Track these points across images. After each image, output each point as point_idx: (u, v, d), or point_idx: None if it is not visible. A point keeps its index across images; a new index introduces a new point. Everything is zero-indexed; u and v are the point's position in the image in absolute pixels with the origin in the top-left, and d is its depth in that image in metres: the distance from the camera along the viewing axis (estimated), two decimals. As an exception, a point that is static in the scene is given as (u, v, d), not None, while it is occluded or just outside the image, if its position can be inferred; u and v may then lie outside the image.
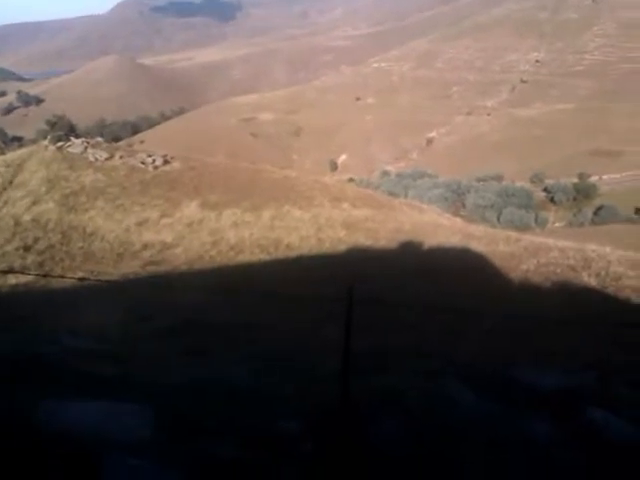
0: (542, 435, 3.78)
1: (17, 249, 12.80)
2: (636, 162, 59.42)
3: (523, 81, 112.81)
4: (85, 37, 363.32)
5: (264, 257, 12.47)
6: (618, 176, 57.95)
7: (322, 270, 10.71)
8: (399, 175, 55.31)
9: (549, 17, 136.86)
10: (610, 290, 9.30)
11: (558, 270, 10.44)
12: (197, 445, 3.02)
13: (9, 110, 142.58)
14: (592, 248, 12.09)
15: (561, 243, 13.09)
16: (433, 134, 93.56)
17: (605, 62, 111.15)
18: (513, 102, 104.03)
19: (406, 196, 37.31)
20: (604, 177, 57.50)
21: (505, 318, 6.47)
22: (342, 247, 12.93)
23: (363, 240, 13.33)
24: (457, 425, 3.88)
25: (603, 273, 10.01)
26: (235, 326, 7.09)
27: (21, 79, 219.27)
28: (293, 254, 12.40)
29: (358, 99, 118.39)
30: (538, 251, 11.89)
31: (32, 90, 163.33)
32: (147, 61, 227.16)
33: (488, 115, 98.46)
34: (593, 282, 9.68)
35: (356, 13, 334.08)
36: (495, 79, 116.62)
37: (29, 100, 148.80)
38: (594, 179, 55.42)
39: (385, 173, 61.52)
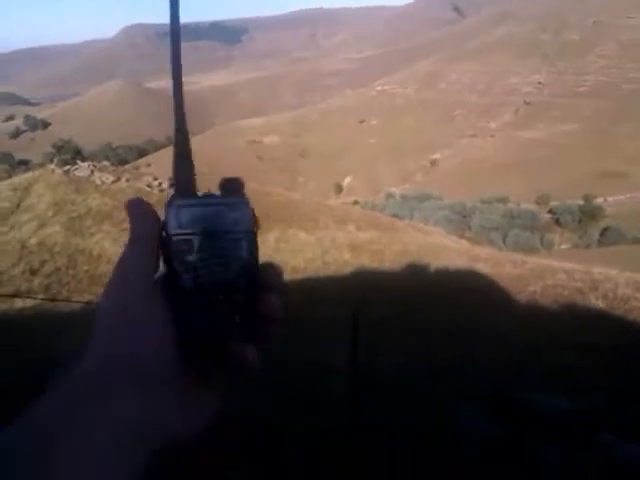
0: (553, 459, 3.73)
1: (23, 272, 12.84)
2: (641, 183, 59.46)
3: (526, 103, 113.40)
4: (91, 61, 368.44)
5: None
6: (623, 197, 57.92)
7: (328, 293, 10.69)
8: (404, 197, 55.40)
9: (551, 39, 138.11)
10: (618, 312, 9.23)
11: (565, 292, 10.39)
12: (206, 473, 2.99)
13: (16, 134, 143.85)
14: (599, 270, 12.04)
15: (568, 265, 13.04)
16: (437, 156, 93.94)
17: (607, 83, 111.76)
18: (516, 124, 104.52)
19: (411, 218, 37.35)
20: (609, 198, 57.47)
21: (513, 341, 6.42)
22: (348, 269, 12.91)
23: (369, 262, 13.32)
24: (468, 450, 3.83)
25: (611, 295, 9.95)
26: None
27: (28, 103, 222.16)
28: (299, 277, 12.38)
29: (362, 121, 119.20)
30: (545, 273, 11.84)
31: (39, 114, 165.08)
32: (153, 85, 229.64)
33: (492, 137, 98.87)
34: (601, 304, 9.61)
35: (361, 37, 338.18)
36: (498, 101, 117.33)
37: (36, 124, 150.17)
38: (600, 200, 55.37)
39: (390, 195, 61.64)
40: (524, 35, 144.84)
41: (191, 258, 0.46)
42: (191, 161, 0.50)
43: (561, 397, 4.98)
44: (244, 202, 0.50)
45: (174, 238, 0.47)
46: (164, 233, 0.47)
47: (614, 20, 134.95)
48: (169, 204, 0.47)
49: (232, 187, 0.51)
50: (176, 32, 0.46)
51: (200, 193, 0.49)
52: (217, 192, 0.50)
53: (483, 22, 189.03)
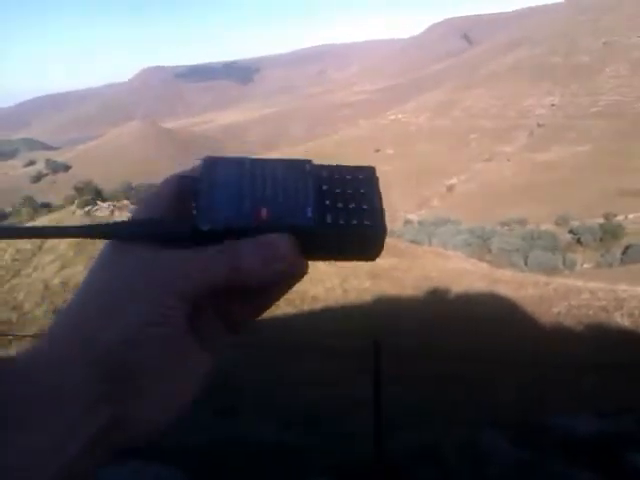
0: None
1: (47, 312, 12.99)
2: (661, 200, 58.81)
3: (540, 125, 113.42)
4: (109, 104, 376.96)
5: (290, 310, 12.46)
6: (645, 215, 57.26)
7: (349, 322, 10.65)
8: (422, 223, 55.28)
9: (562, 61, 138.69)
10: (645, 330, 9.08)
11: (590, 312, 10.25)
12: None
13: (38, 178, 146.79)
14: (623, 288, 11.88)
15: (591, 284, 12.88)
16: (453, 181, 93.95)
17: (620, 102, 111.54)
18: (532, 147, 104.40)
19: (430, 243, 37.21)
20: (630, 216, 56.82)
21: (538, 364, 6.32)
22: (368, 297, 12.87)
23: (389, 289, 13.27)
24: (492, 476, 3.76)
25: (637, 313, 9.80)
26: (264, 382, 7.03)
27: (49, 148, 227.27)
28: (319, 306, 12.37)
29: (377, 151, 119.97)
30: (568, 294, 11.71)
31: (60, 157, 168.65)
32: (170, 125, 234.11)
33: (508, 160, 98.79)
34: (626, 322, 9.46)
35: (372, 69, 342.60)
36: (512, 125, 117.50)
37: (57, 167, 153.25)
38: (620, 218, 54.77)
39: (408, 221, 61.57)
40: (535, 59, 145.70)
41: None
42: None
43: (589, 418, 4.88)
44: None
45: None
46: None
47: (624, 40, 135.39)
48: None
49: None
50: None
51: None
52: None
53: (493, 49, 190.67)
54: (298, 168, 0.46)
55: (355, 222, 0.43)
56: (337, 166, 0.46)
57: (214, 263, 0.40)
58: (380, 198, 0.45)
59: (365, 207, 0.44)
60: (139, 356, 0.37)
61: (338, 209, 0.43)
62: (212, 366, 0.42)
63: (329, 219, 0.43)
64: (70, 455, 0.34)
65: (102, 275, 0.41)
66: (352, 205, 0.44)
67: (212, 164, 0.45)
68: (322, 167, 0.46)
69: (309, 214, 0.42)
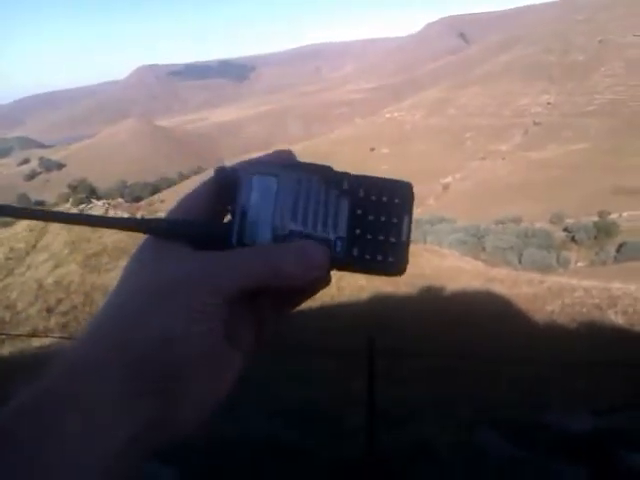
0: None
1: (40, 311, 12.94)
2: (656, 198, 59.03)
3: (536, 124, 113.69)
4: (104, 103, 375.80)
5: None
6: (638, 213, 57.42)
7: (343, 319, 10.64)
8: (417, 221, 55.26)
9: (557, 60, 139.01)
10: (638, 328, 9.10)
11: (584, 310, 10.27)
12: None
13: (32, 176, 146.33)
14: (617, 286, 11.91)
15: (585, 282, 12.90)
16: (449, 179, 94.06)
17: (615, 101, 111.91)
18: (527, 145, 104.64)
19: (425, 241, 37.23)
20: (624, 214, 57.02)
21: (532, 364, 6.33)
22: (363, 295, 12.86)
23: (384, 287, 13.26)
24: (487, 473, 3.76)
25: (630, 310, 9.82)
26: (258, 379, 7.02)
27: (43, 146, 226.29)
28: (315, 304, 12.36)
29: (373, 149, 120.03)
30: (562, 291, 11.73)
31: (54, 156, 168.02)
32: (165, 123, 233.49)
33: (503, 159, 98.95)
34: (620, 320, 9.48)
35: (367, 67, 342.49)
36: (508, 123, 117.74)
37: (51, 166, 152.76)
38: (614, 216, 54.93)
39: (403, 220, 61.41)
40: (531, 58, 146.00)
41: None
42: None
43: (583, 416, 4.89)
44: None
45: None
46: None
47: (619, 39, 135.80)
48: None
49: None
50: None
51: None
52: None
53: (489, 48, 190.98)
54: (336, 185, 0.45)
55: (380, 258, 0.44)
56: (375, 181, 0.45)
57: (257, 264, 0.40)
58: (410, 227, 0.45)
59: (393, 241, 0.44)
60: (176, 355, 0.37)
61: (367, 241, 0.44)
62: (243, 366, 0.42)
63: (355, 252, 0.44)
64: (110, 455, 0.34)
65: (140, 273, 0.41)
66: (381, 237, 0.44)
67: (249, 173, 0.44)
68: (360, 183, 0.46)
69: (338, 248, 0.43)
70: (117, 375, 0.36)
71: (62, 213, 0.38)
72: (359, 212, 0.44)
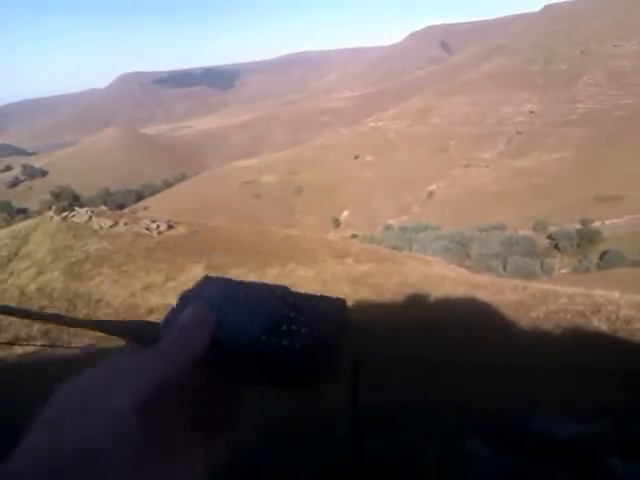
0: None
1: (23, 319, 12.76)
2: (637, 206, 59.75)
3: (519, 132, 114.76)
4: (87, 110, 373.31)
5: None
6: (620, 220, 58.12)
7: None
8: (402, 229, 55.51)
9: (540, 69, 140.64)
10: (621, 334, 9.17)
11: (568, 316, 10.34)
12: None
13: (14, 183, 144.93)
14: (600, 293, 12.00)
15: (569, 289, 13.00)
16: (433, 187, 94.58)
17: (598, 110, 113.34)
18: (510, 153, 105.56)
19: (410, 249, 37.37)
20: (607, 222, 57.67)
21: (517, 369, 6.35)
22: (347, 303, 12.83)
23: (368, 295, 13.26)
24: (475, 480, 3.76)
25: (613, 317, 9.90)
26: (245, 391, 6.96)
27: (25, 153, 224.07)
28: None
29: (357, 157, 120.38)
30: (546, 298, 11.80)
31: (36, 163, 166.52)
32: (149, 131, 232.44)
33: (486, 167, 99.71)
34: (604, 327, 9.56)
35: (350, 77, 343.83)
36: (491, 132, 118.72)
37: (34, 173, 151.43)
38: (597, 224, 55.54)
39: (388, 227, 61.80)
40: (513, 67, 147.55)
41: None
42: None
43: (567, 422, 4.91)
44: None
45: None
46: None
47: (601, 49, 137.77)
48: None
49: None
50: None
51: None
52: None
53: (472, 57, 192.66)
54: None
55: (285, 343, 0.48)
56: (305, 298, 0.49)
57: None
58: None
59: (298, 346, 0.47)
60: (97, 468, 0.36)
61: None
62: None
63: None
64: None
65: (69, 387, 0.42)
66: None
67: (204, 283, 0.49)
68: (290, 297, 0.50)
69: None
70: None
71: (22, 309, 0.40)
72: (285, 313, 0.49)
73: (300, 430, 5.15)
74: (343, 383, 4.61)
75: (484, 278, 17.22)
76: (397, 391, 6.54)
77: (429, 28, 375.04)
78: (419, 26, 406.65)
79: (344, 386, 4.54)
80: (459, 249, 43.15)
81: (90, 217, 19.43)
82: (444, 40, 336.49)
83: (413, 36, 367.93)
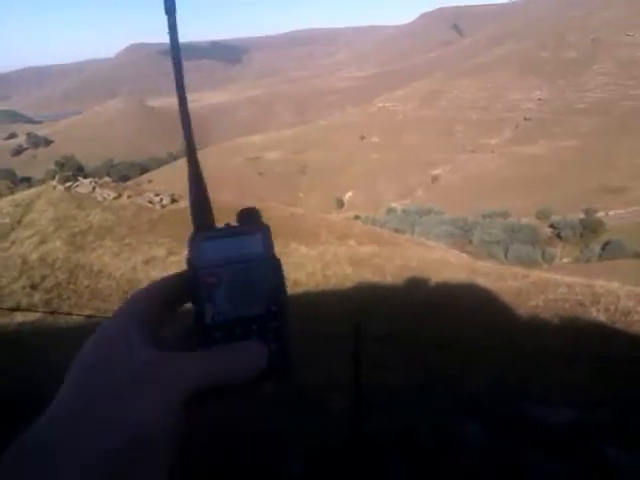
0: (554, 473, 3.69)
1: (24, 287, 12.83)
2: (642, 198, 59.61)
3: (526, 119, 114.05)
4: (93, 80, 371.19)
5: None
6: (624, 211, 58.00)
7: (329, 307, 10.66)
8: (405, 212, 55.46)
9: (550, 57, 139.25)
10: (620, 325, 9.20)
11: (567, 306, 10.36)
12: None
13: (18, 151, 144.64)
14: (600, 283, 12.00)
15: (569, 279, 13.00)
16: (438, 171, 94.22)
17: (607, 100, 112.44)
18: (517, 140, 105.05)
19: (412, 233, 37.38)
20: (610, 213, 57.56)
21: (515, 354, 6.39)
22: (349, 284, 12.89)
23: (370, 277, 13.29)
24: (468, 463, 3.80)
25: (612, 308, 9.92)
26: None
27: (30, 121, 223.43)
28: (300, 290, 12.36)
29: (363, 138, 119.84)
30: (546, 287, 11.81)
31: (41, 132, 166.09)
32: (154, 103, 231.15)
33: (492, 153, 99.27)
34: (602, 317, 9.58)
35: (360, 55, 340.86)
36: (498, 117, 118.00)
37: (38, 141, 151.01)
38: (600, 215, 55.43)
39: (391, 210, 61.71)
40: (524, 53, 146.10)
41: (220, 292, 0.46)
42: (205, 187, 0.51)
43: (564, 409, 4.94)
44: (265, 230, 0.51)
45: (200, 272, 0.47)
46: (190, 270, 0.47)
47: (613, 38, 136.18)
48: (191, 239, 0.48)
49: (249, 216, 0.50)
50: (177, 60, 0.45)
51: (220, 225, 0.50)
52: (234, 222, 0.51)
53: (483, 41, 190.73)
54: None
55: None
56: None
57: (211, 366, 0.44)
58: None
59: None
60: (126, 468, 0.36)
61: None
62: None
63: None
64: None
65: (89, 377, 0.41)
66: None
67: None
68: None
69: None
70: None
71: None
72: None
73: (297, 404, 5.21)
74: (344, 358, 4.64)
75: (485, 264, 17.23)
76: (397, 370, 6.59)
77: (441, 9, 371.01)
78: (431, 6, 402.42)
79: (343, 361, 4.57)
80: (461, 234, 43.14)
81: (94, 188, 19.41)
82: (456, 22, 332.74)
83: (424, 16, 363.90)
